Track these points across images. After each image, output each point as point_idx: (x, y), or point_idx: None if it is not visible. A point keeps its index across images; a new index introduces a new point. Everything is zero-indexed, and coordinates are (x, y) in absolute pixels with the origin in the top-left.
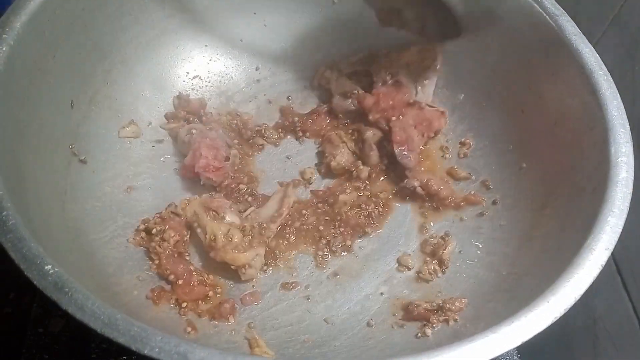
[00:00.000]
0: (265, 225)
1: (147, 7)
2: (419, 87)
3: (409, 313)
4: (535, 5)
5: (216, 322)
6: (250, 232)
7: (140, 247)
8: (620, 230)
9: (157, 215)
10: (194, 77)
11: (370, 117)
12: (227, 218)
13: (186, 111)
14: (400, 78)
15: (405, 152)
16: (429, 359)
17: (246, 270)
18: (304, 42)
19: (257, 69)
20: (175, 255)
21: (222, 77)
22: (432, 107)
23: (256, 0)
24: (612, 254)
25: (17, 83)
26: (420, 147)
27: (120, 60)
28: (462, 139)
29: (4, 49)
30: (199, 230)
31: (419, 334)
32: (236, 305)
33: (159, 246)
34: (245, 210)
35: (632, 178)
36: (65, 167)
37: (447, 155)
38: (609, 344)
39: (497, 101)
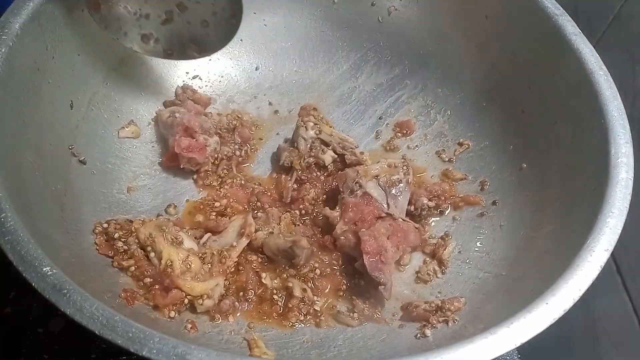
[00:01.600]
0: (226, 253)
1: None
2: (392, 201)
3: (409, 314)
4: (536, 4)
5: (216, 322)
6: (210, 260)
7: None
8: (619, 231)
9: (114, 221)
10: (193, 77)
11: (337, 230)
12: (185, 244)
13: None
14: (370, 190)
15: (379, 264)
16: None
17: (204, 301)
18: (304, 42)
19: (257, 69)
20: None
21: (222, 77)
22: (407, 221)
23: (256, 0)
24: (612, 254)
25: (17, 84)
26: (394, 263)
27: (119, 61)
28: (461, 140)
29: (3, 50)
30: (152, 254)
31: (419, 335)
32: (236, 304)
33: (126, 252)
34: (201, 237)
35: (632, 179)
36: (64, 168)
37: (444, 156)
38: (609, 344)
39: (497, 101)
